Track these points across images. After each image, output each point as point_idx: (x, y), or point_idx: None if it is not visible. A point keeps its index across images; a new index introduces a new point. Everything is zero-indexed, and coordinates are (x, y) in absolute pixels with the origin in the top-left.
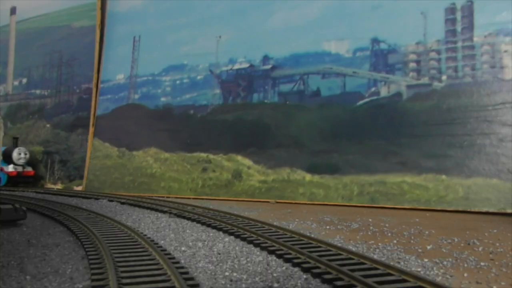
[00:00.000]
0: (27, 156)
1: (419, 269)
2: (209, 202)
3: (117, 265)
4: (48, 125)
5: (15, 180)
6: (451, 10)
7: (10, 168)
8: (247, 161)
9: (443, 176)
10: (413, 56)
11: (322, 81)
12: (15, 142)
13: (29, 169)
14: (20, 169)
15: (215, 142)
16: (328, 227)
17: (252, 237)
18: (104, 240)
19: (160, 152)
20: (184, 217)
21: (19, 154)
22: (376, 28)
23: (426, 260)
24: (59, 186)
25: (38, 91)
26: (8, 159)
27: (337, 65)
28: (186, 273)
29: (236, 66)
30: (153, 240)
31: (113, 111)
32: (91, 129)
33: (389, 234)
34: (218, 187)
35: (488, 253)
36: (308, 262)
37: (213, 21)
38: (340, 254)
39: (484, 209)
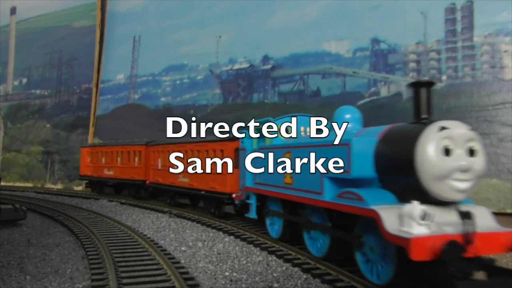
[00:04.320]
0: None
1: None
2: None
3: (117, 265)
4: (48, 125)
5: None
6: (451, 10)
7: (418, 227)
8: None
9: None
10: (413, 56)
11: (322, 81)
12: None
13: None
14: (458, 228)
15: None
16: None
17: (252, 237)
18: (104, 240)
19: None
20: (184, 217)
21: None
22: (376, 28)
23: None
24: (59, 186)
25: (38, 91)
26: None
27: (337, 65)
28: (186, 273)
29: (236, 66)
30: (153, 240)
31: (113, 111)
32: (91, 129)
33: None
34: None
35: None
36: (308, 263)
37: (213, 21)
38: None
39: None
